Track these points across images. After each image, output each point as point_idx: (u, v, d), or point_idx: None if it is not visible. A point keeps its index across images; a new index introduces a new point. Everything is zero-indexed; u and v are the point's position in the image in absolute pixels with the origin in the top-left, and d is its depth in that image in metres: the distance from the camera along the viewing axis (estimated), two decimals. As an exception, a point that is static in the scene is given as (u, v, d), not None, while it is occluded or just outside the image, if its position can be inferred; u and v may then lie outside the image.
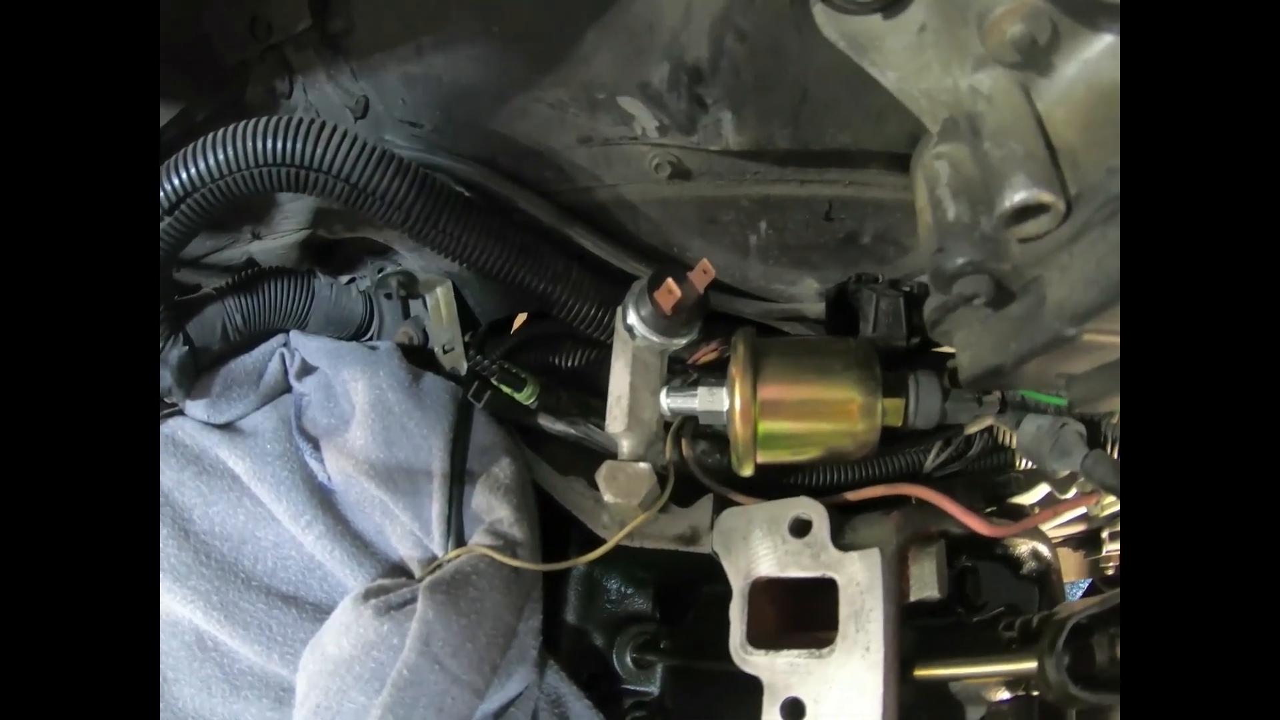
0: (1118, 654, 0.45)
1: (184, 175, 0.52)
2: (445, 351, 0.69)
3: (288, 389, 0.66)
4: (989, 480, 0.63)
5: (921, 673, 0.50)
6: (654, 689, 0.70)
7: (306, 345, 0.66)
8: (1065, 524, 0.66)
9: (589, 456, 0.63)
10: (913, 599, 0.50)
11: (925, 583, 0.50)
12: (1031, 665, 0.45)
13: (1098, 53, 0.34)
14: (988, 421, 0.58)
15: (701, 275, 0.52)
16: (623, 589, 0.72)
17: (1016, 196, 0.34)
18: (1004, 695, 0.50)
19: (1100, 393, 0.39)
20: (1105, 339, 0.34)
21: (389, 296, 0.68)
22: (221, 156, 0.52)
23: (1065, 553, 0.73)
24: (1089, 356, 0.37)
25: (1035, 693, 0.54)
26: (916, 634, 0.53)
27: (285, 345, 0.67)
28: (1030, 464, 0.62)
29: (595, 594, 0.71)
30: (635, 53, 0.52)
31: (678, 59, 0.51)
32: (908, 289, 0.60)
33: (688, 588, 0.72)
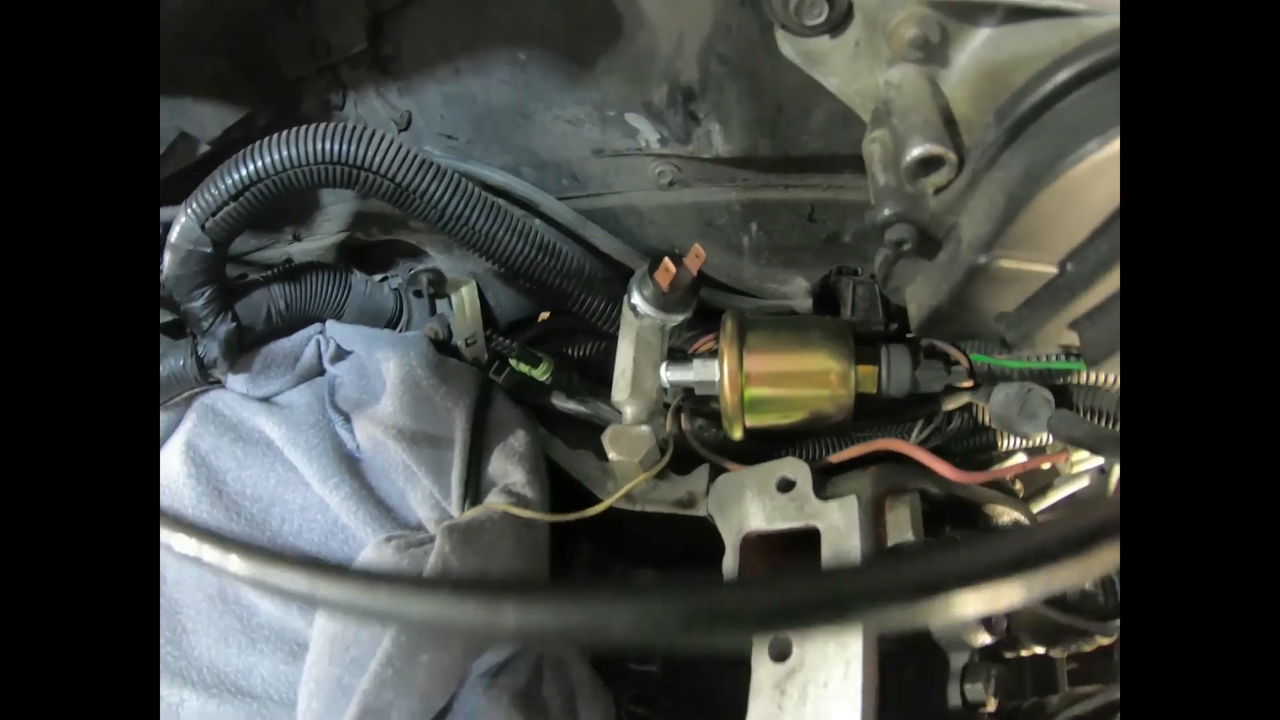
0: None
1: (251, 167, 0.61)
2: (468, 345, 0.76)
3: (321, 372, 0.73)
4: (973, 460, 0.68)
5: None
6: (655, 668, 0.73)
7: (342, 332, 0.72)
8: (1054, 502, 0.70)
9: (597, 435, 0.69)
10: (890, 544, 0.55)
11: (901, 527, 0.54)
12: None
13: (980, 43, 0.42)
14: (965, 399, 0.65)
15: (694, 259, 0.60)
16: (625, 571, 0.76)
17: (915, 151, 0.41)
18: (985, 639, 0.54)
19: (1033, 327, 0.45)
20: (1016, 265, 0.41)
21: (418, 294, 0.76)
22: (286, 153, 0.61)
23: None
24: (1013, 287, 0.43)
25: (1023, 652, 0.58)
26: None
27: (321, 334, 0.74)
28: (1011, 444, 0.67)
29: (599, 575, 0.75)
30: (639, 76, 0.61)
31: (674, 81, 0.60)
32: (882, 281, 0.67)
33: (691, 570, 0.76)
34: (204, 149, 0.66)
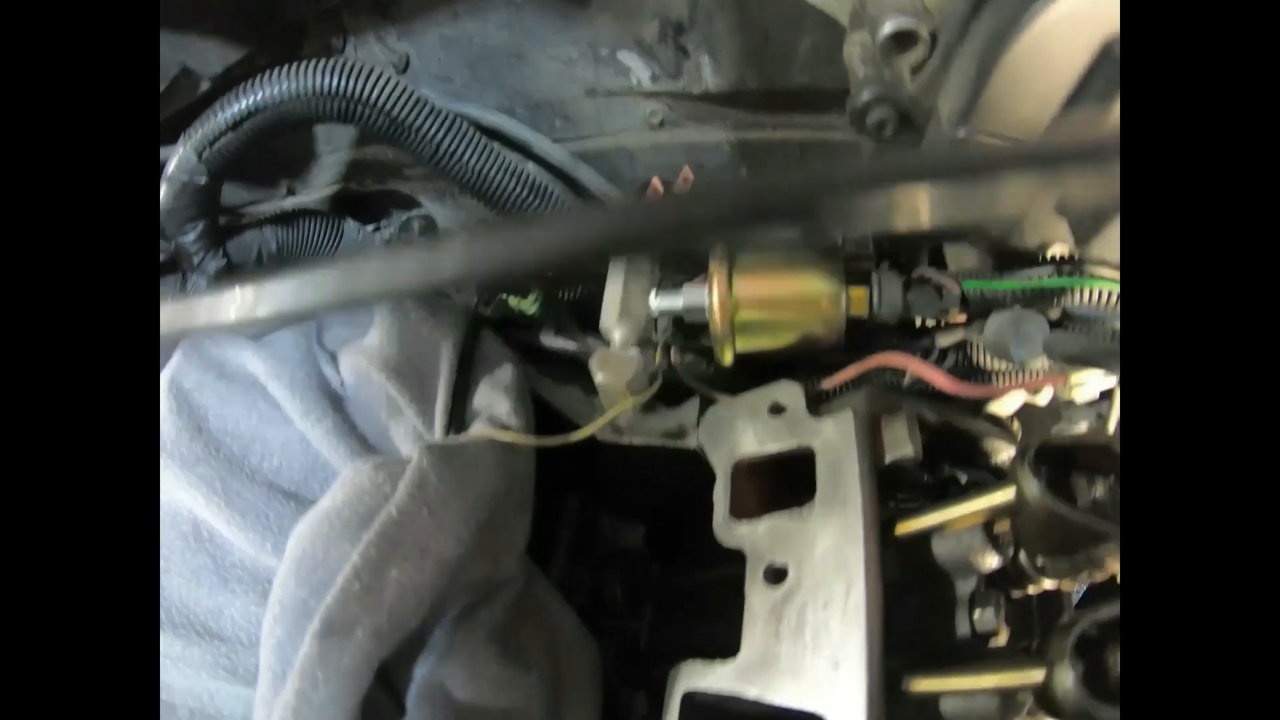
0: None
1: (250, 99, 0.62)
2: (458, 293, 0.75)
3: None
4: (969, 403, 0.66)
5: (903, 529, 0.51)
6: (642, 626, 0.69)
7: (332, 276, 0.72)
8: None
9: (585, 374, 0.67)
10: (889, 460, 0.52)
11: (899, 442, 0.52)
12: (1009, 494, 0.46)
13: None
14: (959, 335, 0.63)
15: (683, 183, 0.60)
16: (614, 525, 0.73)
17: (889, 26, 0.42)
18: (993, 561, 0.50)
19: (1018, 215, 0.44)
20: (996, 140, 0.40)
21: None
22: (286, 86, 0.62)
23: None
24: None
25: (1031, 589, 0.54)
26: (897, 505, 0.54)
27: (312, 280, 0.73)
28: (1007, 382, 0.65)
29: (587, 530, 0.72)
30: (631, 13, 0.63)
31: (664, 15, 0.62)
32: (874, 221, 0.67)
33: (678, 528, 0.73)
34: (205, 86, 0.67)
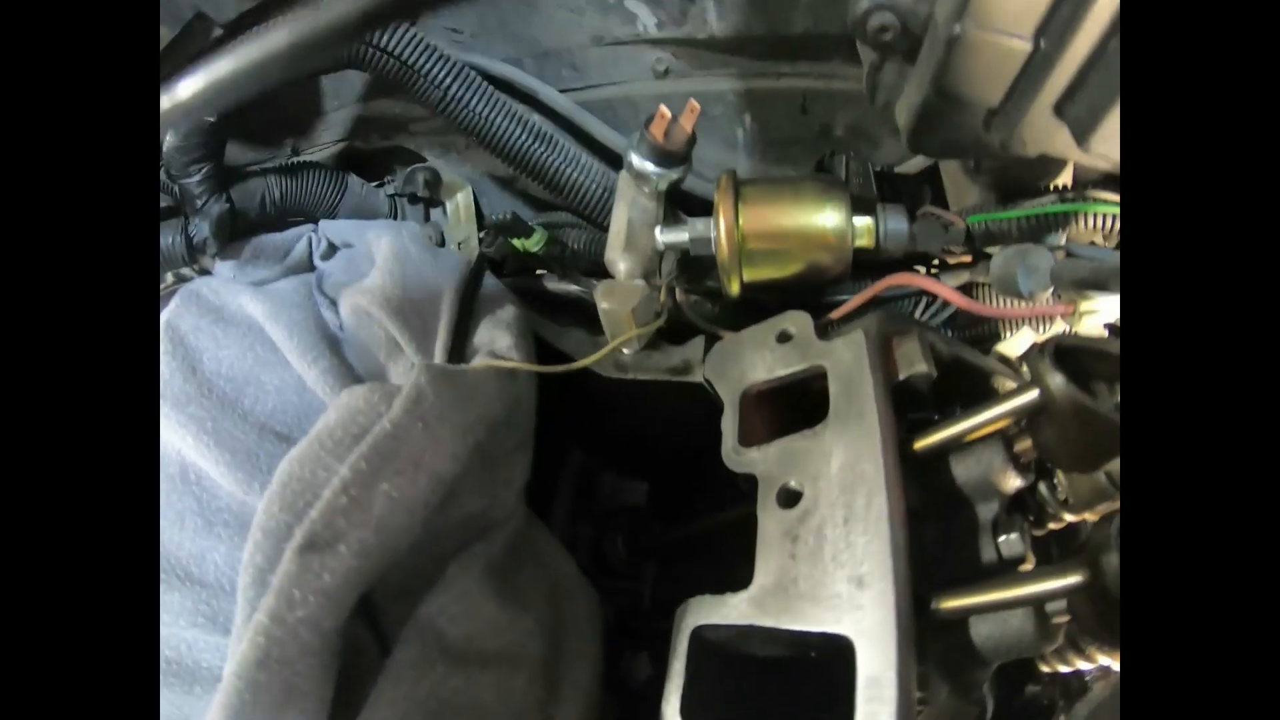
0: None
1: (259, 39, 0.62)
2: (460, 247, 0.74)
3: (310, 268, 0.71)
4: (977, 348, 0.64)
5: (921, 443, 0.48)
6: (645, 585, 0.65)
7: (335, 226, 0.72)
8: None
9: (588, 318, 0.66)
10: (902, 376, 0.50)
11: (912, 359, 0.50)
12: (1031, 395, 0.44)
13: None
14: (965, 276, 0.62)
15: (689, 114, 0.59)
16: (617, 482, 0.70)
17: None
18: (1015, 482, 0.48)
19: (1019, 118, 0.43)
20: (991, 37, 0.40)
21: (414, 198, 0.75)
22: (293, 27, 0.63)
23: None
24: (993, 69, 0.42)
25: (1051, 525, 0.52)
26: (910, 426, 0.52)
27: (313, 232, 0.73)
28: (1014, 333, 0.64)
29: (590, 487, 0.69)
30: (640, -40, 0.64)
31: (672, -39, 0.63)
32: (878, 169, 0.67)
33: (681, 485, 0.70)
34: (217, 33, 0.68)
